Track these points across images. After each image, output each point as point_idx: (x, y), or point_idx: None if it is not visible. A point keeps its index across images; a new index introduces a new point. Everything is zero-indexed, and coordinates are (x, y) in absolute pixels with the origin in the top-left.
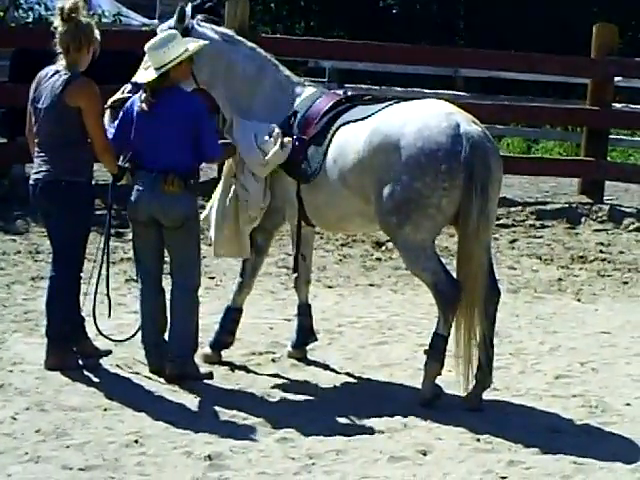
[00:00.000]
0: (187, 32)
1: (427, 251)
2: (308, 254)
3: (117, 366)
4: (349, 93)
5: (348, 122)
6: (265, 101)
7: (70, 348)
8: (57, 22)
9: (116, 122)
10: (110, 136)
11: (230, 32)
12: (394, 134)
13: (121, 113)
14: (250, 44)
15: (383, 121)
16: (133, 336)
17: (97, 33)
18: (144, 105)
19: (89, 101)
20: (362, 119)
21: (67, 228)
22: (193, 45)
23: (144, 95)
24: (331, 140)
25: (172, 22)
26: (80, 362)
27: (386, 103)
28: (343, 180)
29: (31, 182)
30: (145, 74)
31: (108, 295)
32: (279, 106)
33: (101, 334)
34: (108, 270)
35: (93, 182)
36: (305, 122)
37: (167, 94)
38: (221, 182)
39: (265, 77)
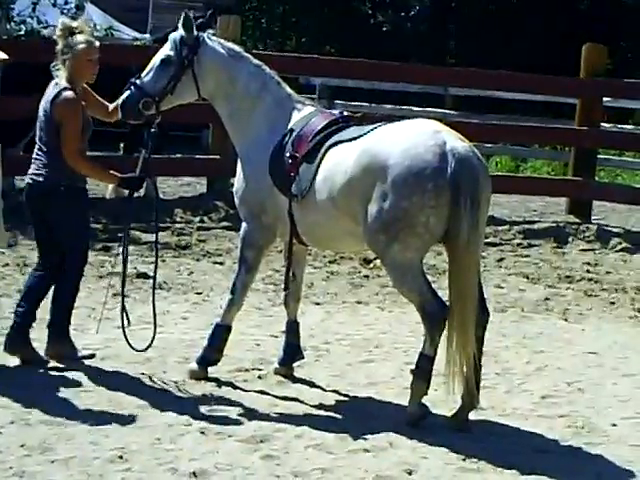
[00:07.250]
0: (197, 44)
1: (414, 270)
2: (299, 272)
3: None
4: (345, 113)
5: (339, 142)
6: (265, 118)
7: (70, 340)
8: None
9: None
10: None
11: (237, 48)
12: (382, 154)
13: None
14: (256, 61)
15: (372, 142)
16: (149, 345)
17: (76, 49)
18: None
19: (66, 119)
20: (353, 139)
21: (69, 229)
22: None
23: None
24: (322, 159)
25: (182, 32)
26: (80, 354)
27: (377, 124)
28: (332, 200)
29: (28, 181)
30: None
31: (123, 305)
32: (277, 124)
33: (130, 345)
34: (124, 280)
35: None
36: (299, 140)
37: None
38: None
39: (267, 94)
